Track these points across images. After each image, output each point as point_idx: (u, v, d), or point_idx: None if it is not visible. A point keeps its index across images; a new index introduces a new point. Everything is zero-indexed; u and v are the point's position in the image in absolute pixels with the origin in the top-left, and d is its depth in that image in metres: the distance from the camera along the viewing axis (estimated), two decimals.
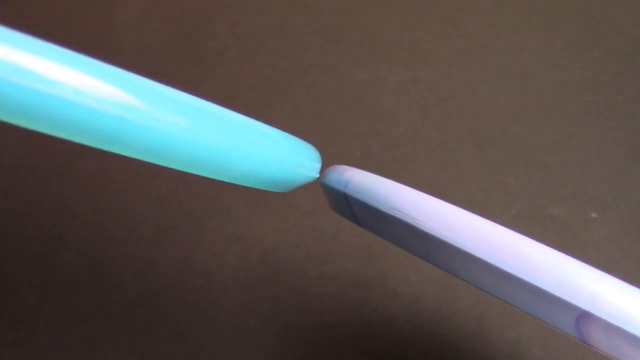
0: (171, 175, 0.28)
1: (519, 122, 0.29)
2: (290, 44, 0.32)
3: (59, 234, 0.27)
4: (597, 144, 0.28)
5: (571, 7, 0.32)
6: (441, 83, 0.30)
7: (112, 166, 0.29)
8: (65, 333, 0.25)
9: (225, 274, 0.26)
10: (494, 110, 0.29)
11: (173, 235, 0.27)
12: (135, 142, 0.13)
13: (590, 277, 0.13)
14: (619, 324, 0.13)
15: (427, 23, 0.32)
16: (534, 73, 0.30)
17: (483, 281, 0.15)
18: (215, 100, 0.15)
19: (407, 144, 0.29)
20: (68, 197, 0.28)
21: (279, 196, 0.27)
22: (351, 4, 0.34)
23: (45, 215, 0.28)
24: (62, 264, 0.26)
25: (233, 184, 0.17)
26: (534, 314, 0.14)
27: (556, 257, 0.14)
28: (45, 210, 0.28)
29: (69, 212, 0.27)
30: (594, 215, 0.26)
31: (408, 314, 0.24)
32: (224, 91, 0.31)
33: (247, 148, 0.15)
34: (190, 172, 0.15)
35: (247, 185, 0.16)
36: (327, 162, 0.18)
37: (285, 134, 0.17)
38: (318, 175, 0.18)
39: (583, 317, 0.13)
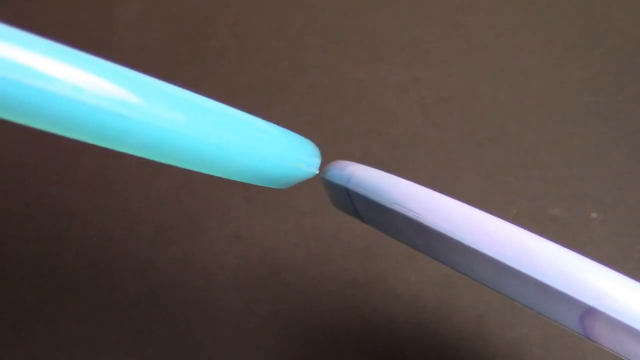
0: (171, 175, 0.28)
1: (519, 122, 0.29)
2: (290, 44, 0.32)
3: (59, 234, 0.27)
4: (597, 144, 0.28)
5: (571, 7, 0.32)
6: (441, 83, 0.30)
7: (112, 166, 0.29)
8: (65, 333, 0.25)
9: (225, 274, 0.26)
10: (494, 110, 0.29)
11: (173, 235, 0.27)
12: (133, 138, 0.13)
13: (596, 273, 0.13)
14: (624, 320, 0.13)
15: (427, 23, 0.32)
16: (534, 73, 0.30)
17: (488, 277, 0.15)
18: (215, 100, 0.15)
19: (407, 144, 0.29)
20: (68, 197, 0.28)
21: (279, 196, 0.27)
22: (351, 4, 0.34)
23: (45, 215, 0.28)
24: (62, 264, 0.26)
25: (232, 182, 0.17)
26: (537, 309, 0.14)
27: (561, 252, 0.14)
28: (45, 210, 0.28)
29: (69, 212, 0.27)
30: (594, 215, 0.26)
31: (408, 314, 0.24)
32: (224, 91, 0.31)
33: (246, 143, 0.15)
34: (189, 168, 0.15)
35: (246, 181, 0.16)
36: (327, 162, 0.18)
37: (284, 129, 0.17)
38: (317, 171, 0.18)
39: (588, 313, 0.13)
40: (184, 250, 0.26)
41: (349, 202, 0.17)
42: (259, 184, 0.17)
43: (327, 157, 0.18)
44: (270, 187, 0.17)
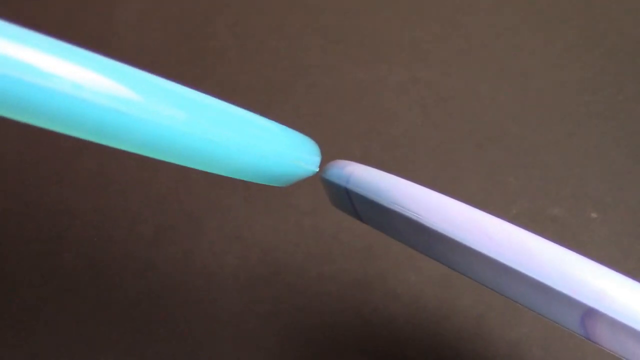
0: (171, 175, 0.28)
1: (519, 122, 0.29)
2: (290, 44, 0.32)
3: (59, 234, 0.27)
4: (597, 144, 0.28)
5: (571, 7, 0.32)
6: (441, 83, 0.30)
7: (112, 166, 0.29)
8: (65, 333, 0.25)
9: (225, 274, 0.26)
10: (494, 110, 0.29)
11: (173, 235, 0.27)
12: (132, 135, 0.13)
13: (597, 274, 0.13)
14: (626, 321, 0.13)
15: (427, 23, 0.32)
16: (534, 73, 0.30)
17: (488, 277, 0.15)
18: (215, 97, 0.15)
19: (407, 144, 0.29)
20: (68, 197, 0.28)
21: (279, 196, 0.27)
22: (351, 4, 0.34)
23: (45, 215, 0.28)
24: (62, 264, 0.26)
25: (232, 181, 0.16)
26: (538, 310, 0.14)
27: (561, 252, 0.14)
28: (45, 210, 0.28)
29: (69, 212, 0.27)
30: (594, 215, 0.26)
31: (408, 314, 0.24)
32: (224, 91, 0.31)
33: (246, 141, 0.15)
34: (188, 165, 0.15)
35: (246, 179, 0.16)
36: (327, 162, 0.18)
37: (284, 127, 0.17)
38: (317, 169, 0.18)
39: (589, 314, 0.13)
40: (184, 250, 0.26)
41: (348, 202, 0.17)
42: (259, 182, 0.17)
43: (327, 157, 0.18)
44: (271, 185, 0.17)
